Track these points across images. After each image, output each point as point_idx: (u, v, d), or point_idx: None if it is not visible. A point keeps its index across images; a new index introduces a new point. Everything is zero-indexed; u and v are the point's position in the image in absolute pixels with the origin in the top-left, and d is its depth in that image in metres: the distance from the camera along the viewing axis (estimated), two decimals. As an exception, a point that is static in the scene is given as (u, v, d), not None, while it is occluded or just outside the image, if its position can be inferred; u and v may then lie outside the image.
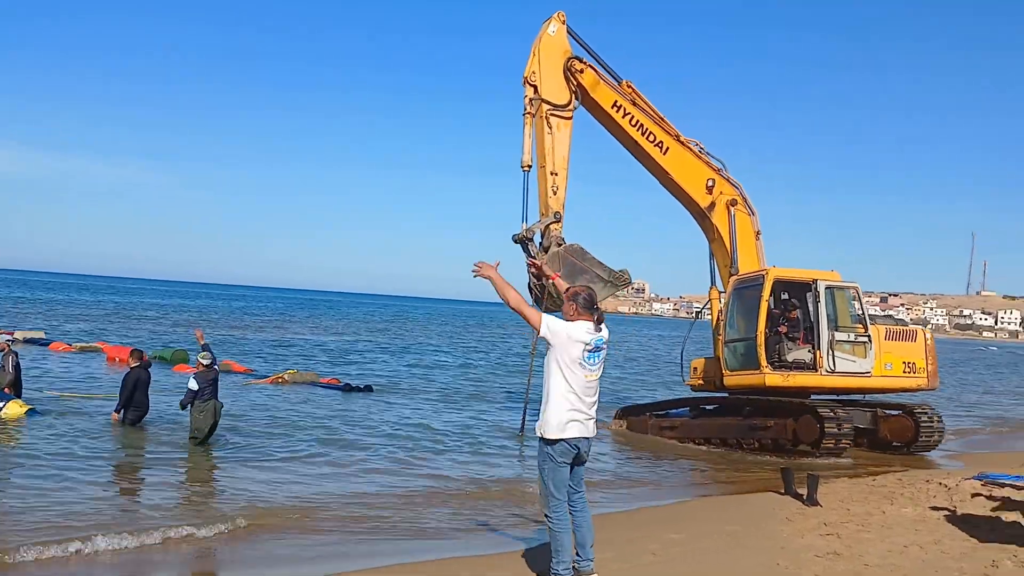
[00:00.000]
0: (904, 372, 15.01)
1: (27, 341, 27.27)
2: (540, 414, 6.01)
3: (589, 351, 5.88)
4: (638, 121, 15.42)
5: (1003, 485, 10.12)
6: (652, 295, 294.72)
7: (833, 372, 14.48)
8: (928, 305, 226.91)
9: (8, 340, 15.28)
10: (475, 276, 6.02)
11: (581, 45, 15.28)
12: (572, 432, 5.86)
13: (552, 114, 14.68)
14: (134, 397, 13.55)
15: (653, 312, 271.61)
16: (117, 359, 24.56)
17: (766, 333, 14.71)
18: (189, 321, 51.87)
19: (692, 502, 11.07)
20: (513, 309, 5.93)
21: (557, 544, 5.99)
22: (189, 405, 12.40)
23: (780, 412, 14.49)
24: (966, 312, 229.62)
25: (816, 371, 14.48)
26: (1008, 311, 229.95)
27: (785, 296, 15.11)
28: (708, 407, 16.45)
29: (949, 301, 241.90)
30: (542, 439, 5.98)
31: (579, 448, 5.95)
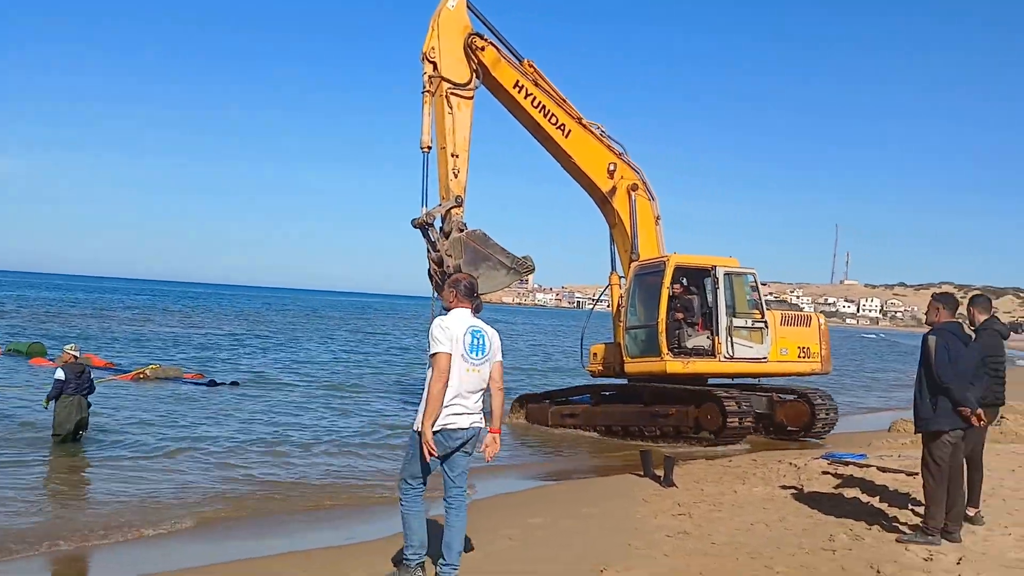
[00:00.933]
0: (799, 357, 15.11)
1: None
2: (420, 405, 5.75)
3: (472, 345, 5.72)
4: (540, 102, 15.06)
5: (847, 463, 10.63)
6: (535, 285, 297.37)
7: (731, 358, 14.56)
8: (795, 294, 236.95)
9: None
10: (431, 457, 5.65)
11: (483, 22, 14.84)
12: (443, 425, 5.63)
13: (452, 93, 14.19)
14: None
15: (536, 302, 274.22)
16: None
17: (666, 320, 14.89)
18: (49, 314, 49.31)
19: (554, 486, 11.22)
20: (437, 385, 5.56)
21: (405, 527, 5.88)
22: (54, 400, 11.60)
23: (682, 400, 14.47)
24: (831, 300, 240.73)
25: (715, 357, 14.56)
26: (869, 299, 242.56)
27: (684, 282, 15.10)
28: (606, 393, 16.26)
29: (815, 290, 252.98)
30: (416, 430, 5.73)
31: (455, 442, 5.72)
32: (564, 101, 15.35)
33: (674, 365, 14.56)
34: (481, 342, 5.80)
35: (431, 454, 5.56)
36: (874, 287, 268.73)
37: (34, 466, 10.75)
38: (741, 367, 14.87)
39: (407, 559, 5.90)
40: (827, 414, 15.13)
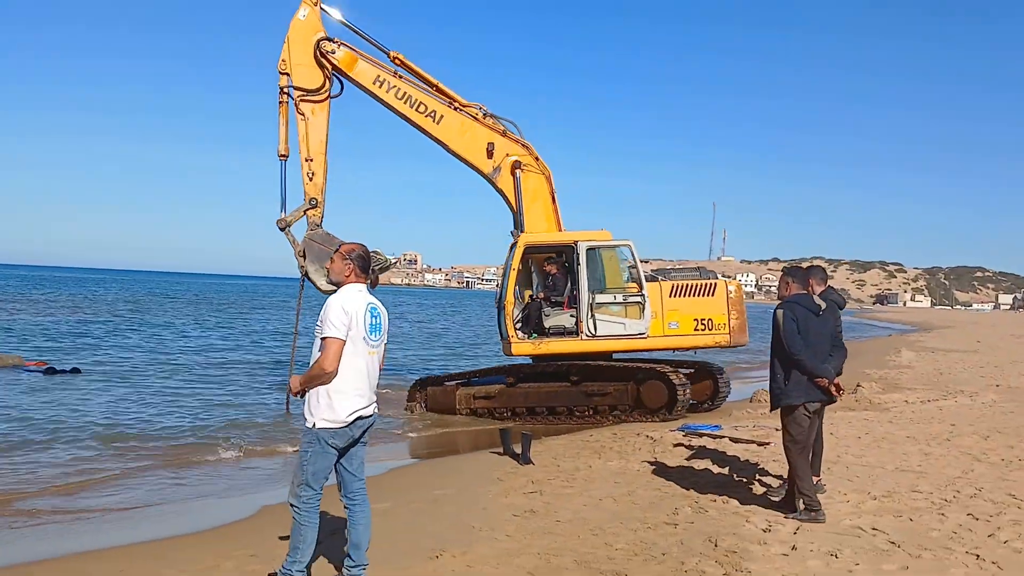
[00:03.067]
0: (696, 329, 14.21)
1: None
2: (312, 395, 5.18)
3: (371, 326, 5.24)
4: (405, 93, 14.89)
5: (701, 435, 10.72)
6: (424, 266, 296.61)
7: (594, 336, 14.08)
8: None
9: None
10: (296, 395, 5.26)
11: (341, 23, 14.93)
12: (349, 414, 5.15)
13: (304, 100, 14.46)
14: None
15: (426, 283, 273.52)
16: None
17: (531, 299, 14.59)
18: None
19: (409, 468, 10.89)
20: (325, 371, 5.06)
21: (299, 539, 5.19)
22: None
23: (620, 377, 14.01)
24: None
25: (578, 336, 14.15)
26: (745, 275, 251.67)
27: (564, 260, 14.71)
28: (517, 375, 14.92)
29: (693, 266, 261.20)
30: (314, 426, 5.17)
31: (357, 432, 5.28)
32: (436, 88, 15.12)
33: (522, 347, 14.31)
34: (378, 321, 5.34)
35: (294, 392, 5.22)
36: (750, 263, 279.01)
37: None
38: (610, 344, 14.26)
39: (296, 573, 5.23)
40: (685, 392, 13.96)
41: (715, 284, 14.47)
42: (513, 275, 14.39)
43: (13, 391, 16.18)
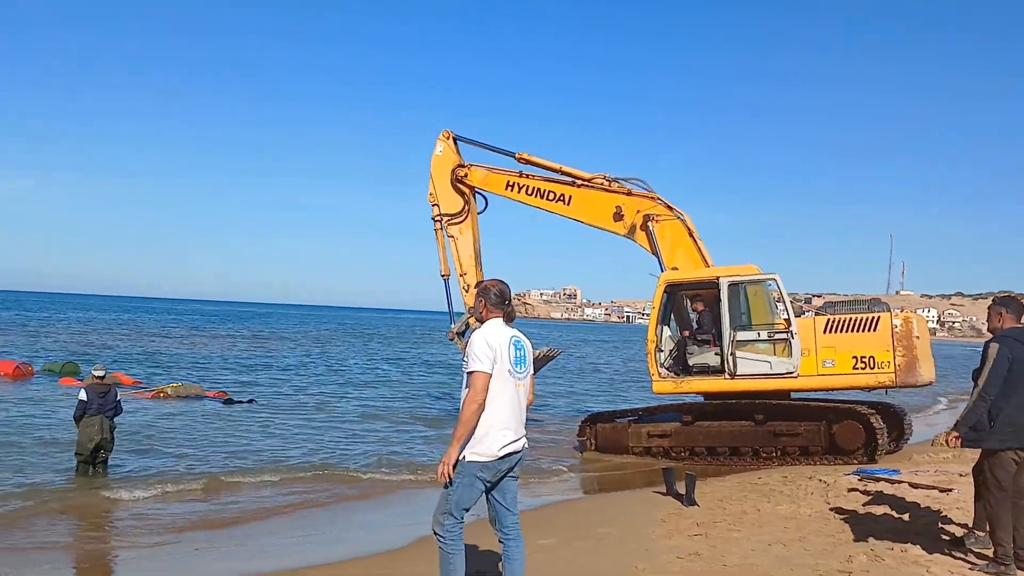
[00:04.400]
0: (856, 368, 13.14)
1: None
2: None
3: (516, 358, 5.28)
4: (534, 188, 16.27)
5: (878, 479, 10.18)
6: (584, 300, 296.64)
7: (734, 375, 13.53)
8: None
9: None
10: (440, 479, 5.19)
11: (470, 143, 16.85)
12: (500, 447, 5.16)
13: (451, 223, 16.61)
14: None
15: (585, 318, 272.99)
16: (1, 373, 23.81)
17: (676, 337, 14.43)
18: (87, 333, 50.37)
19: (570, 504, 10.86)
20: (474, 404, 5.05)
21: (448, 569, 5.19)
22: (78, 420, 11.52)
23: (809, 416, 13.35)
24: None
25: (723, 374, 13.65)
26: (926, 310, 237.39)
27: (704, 297, 14.33)
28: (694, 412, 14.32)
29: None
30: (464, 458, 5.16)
31: (506, 466, 5.26)
32: (560, 171, 16.16)
33: (663, 385, 14.07)
34: (523, 353, 5.35)
35: (447, 478, 5.08)
36: (930, 297, 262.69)
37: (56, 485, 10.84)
38: (756, 384, 13.53)
39: None
40: (885, 435, 12.93)
41: (877, 318, 13.21)
42: (654, 313, 14.31)
43: (193, 419, 17.43)
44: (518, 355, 5.30)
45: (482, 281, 5.76)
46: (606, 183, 15.82)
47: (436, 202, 16.72)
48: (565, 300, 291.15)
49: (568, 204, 16.01)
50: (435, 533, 5.24)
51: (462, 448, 5.09)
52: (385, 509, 10.64)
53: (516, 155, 16.40)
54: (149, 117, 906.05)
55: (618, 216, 15.63)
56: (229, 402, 20.40)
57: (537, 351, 15.73)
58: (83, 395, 11.58)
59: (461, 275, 16.61)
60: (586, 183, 15.92)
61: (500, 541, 5.47)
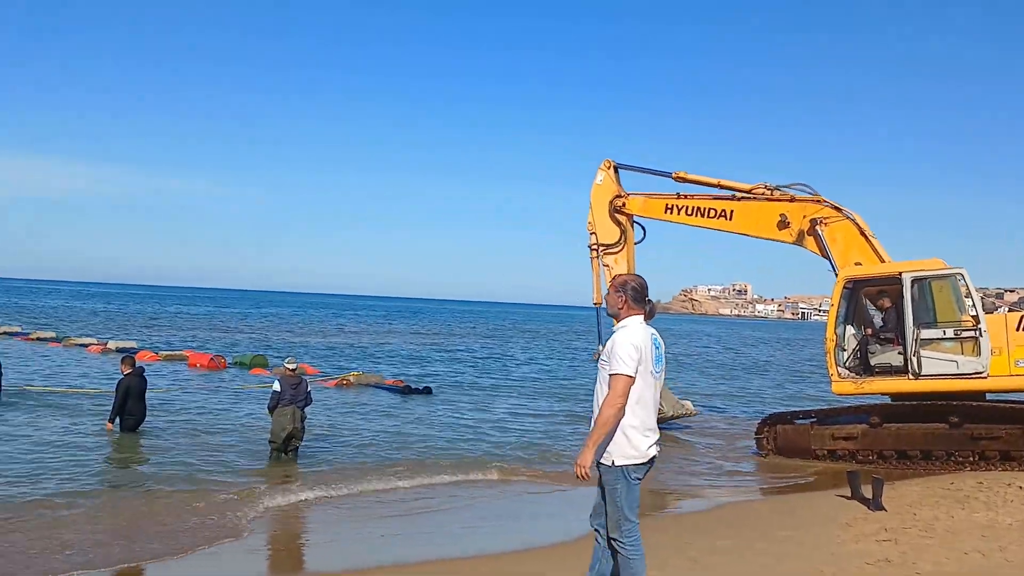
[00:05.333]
0: None
1: (119, 351, 28.71)
2: (600, 431, 5.05)
3: (656, 357, 5.19)
4: (693, 208, 16.08)
5: (1088, 489, 9.43)
6: (755, 296, 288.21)
7: (920, 376, 12.83)
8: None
9: None
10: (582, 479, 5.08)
11: (629, 168, 16.80)
12: (648, 447, 5.12)
13: (607, 253, 16.68)
14: (127, 404, 13.52)
15: (756, 314, 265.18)
16: (198, 365, 25.91)
17: (858, 336, 13.83)
18: (274, 328, 53.69)
19: (746, 505, 10.65)
20: (616, 408, 4.98)
21: (634, 573, 5.15)
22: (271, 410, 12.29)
23: (1010, 418, 12.50)
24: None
25: (906, 375, 13.00)
26: None
27: (889, 294, 13.62)
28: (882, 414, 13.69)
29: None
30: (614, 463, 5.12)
31: (652, 464, 5.25)
32: (719, 185, 15.81)
33: (842, 386, 13.43)
34: (660, 352, 5.25)
35: (586, 478, 4.99)
36: None
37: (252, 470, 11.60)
38: (942, 384, 12.78)
39: None
40: None
41: None
42: (833, 311, 13.72)
43: (374, 407, 18.42)
44: (657, 353, 5.21)
45: (619, 275, 5.50)
46: (767, 192, 15.37)
47: (594, 231, 16.80)
48: (735, 296, 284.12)
49: (730, 219, 15.70)
50: (613, 539, 5.20)
51: (598, 453, 5.04)
52: (566, 504, 10.78)
53: (673, 174, 16.15)
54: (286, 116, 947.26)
55: (783, 224, 15.17)
56: (407, 390, 21.27)
57: (671, 411, 16.44)
58: (276, 386, 12.30)
59: None
60: (747, 195, 15.50)
61: (599, 537, 5.36)
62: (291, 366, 12.81)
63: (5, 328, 37.31)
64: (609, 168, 16.78)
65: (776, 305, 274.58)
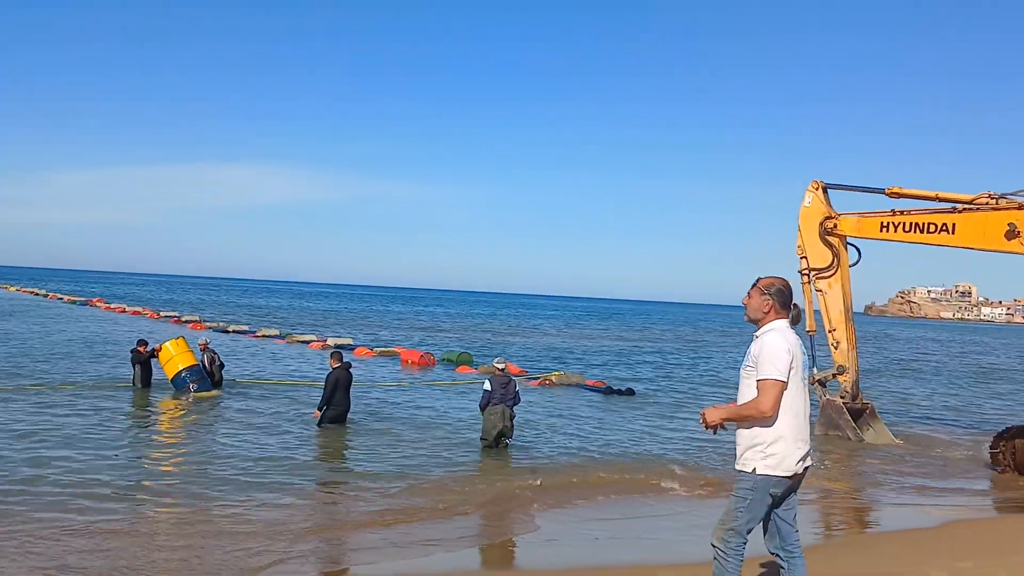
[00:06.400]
0: None
1: (337, 347, 30.56)
2: (753, 438, 4.84)
3: (804, 362, 4.95)
4: (911, 224, 15.22)
5: None
6: (980, 299, 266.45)
7: None
8: None
9: (206, 340, 19.13)
10: (711, 428, 4.98)
11: (839, 187, 16.11)
12: (797, 462, 4.84)
13: (819, 277, 16.05)
14: (335, 396, 14.16)
15: (982, 317, 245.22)
16: (409, 361, 27.15)
17: None
18: (476, 328, 55.25)
19: (981, 524, 9.85)
20: (764, 415, 4.76)
21: None
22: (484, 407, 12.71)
23: None
24: None
25: None
26: None
27: None
28: None
29: None
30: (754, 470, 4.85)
31: (799, 481, 5.00)
32: (936, 198, 14.84)
33: None
34: (806, 358, 5.01)
35: (705, 425, 4.87)
36: None
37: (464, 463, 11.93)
38: None
39: None
40: None
41: None
42: None
43: (577, 406, 18.59)
44: (804, 359, 4.94)
45: (765, 278, 5.15)
46: (992, 201, 14.24)
47: (804, 255, 16.16)
48: (958, 298, 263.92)
49: (952, 233, 14.67)
50: (715, 548, 4.94)
51: (737, 451, 4.90)
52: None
53: (886, 190, 15.24)
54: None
55: (1012, 234, 14.01)
56: (609, 391, 21.28)
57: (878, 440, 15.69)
58: (487, 385, 12.72)
59: (830, 331, 16.06)
60: (968, 206, 14.44)
61: (781, 560, 5.06)
62: (500, 366, 13.17)
63: (233, 327, 40.55)
64: (817, 189, 16.10)
65: (1005, 308, 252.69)
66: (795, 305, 5.06)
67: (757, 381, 4.75)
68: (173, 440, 13.06)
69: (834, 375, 15.97)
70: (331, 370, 14.43)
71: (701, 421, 4.90)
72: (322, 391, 14.45)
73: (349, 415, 14.59)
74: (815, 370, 15.96)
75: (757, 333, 4.98)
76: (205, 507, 8.92)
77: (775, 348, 4.77)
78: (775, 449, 4.78)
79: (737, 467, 4.92)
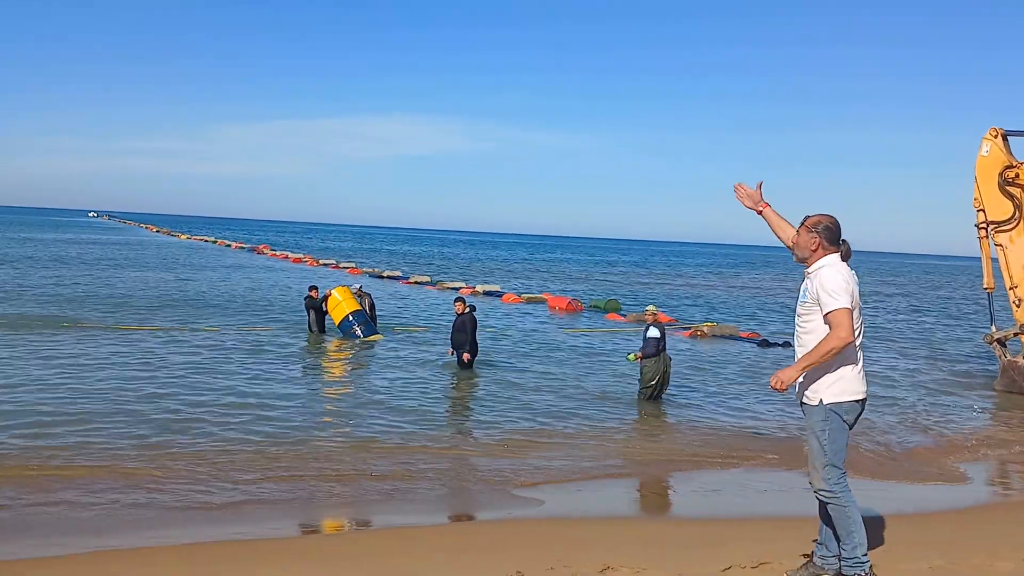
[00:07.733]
0: None
1: (486, 294, 31.45)
2: (815, 372, 4.81)
3: (859, 295, 4.88)
4: None
5: None
6: None
7: None
8: None
9: (359, 286, 19.73)
10: (784, 388, 4.84)
11: (1021, 135, 15.17)
12: (861, 388, 4.87)
13: (998, 231, 15.08)
14: (457, 338, 14.68)
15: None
16: (557, 308, 27.35)
17: None
18: (623, 277, 55.17)
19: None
20: (844, 342, 4.69)
21: (847, 522, 4.86)
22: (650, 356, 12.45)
23: None
24: None
25: None
26: None
27: None
28: None
29: None
30: (821, 402, 4.84)
31: (863, 408, 4.96)
32: None
33: None
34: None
35: (780, 388, 4.75)
36: None
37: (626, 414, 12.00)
38: None
39: (860, 561, 4.87)
40: None
41: None
42: None
43: (732, 357, 18.22)
44: (858, 294, 4.87)
45: (811, 216, 4.97)
46: None
47: (981, 207, 15.18)
48: None
49: None
50: (819, 491, 4.91)
51: (802, 388, 4.87)
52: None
53: None
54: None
55: None
56: (764, 344, 20.71)
57: None
58: (654, 332, 12.44)
59: (1011, 288, 15.05)
60: None
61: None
62: (653, 313, 13.06)
63: (388, 272, 42.18)
64: (996, 136, 15.06)
65: None
66: (844, 241, 4.96)
67: (826, 315, 4.71)
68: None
69: (1016, 334, 15.25)
70: (456, 316, 14.95)
71: (775, 386, 4.79)
72: (463, 336, 14.73)
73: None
74: (994, 328, 15.41)
75: (808, 271, 4.94)
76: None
77: (834, 280, 4.73)
78: (839, 375, 4.80)
79: (803, 403, 4.94)
